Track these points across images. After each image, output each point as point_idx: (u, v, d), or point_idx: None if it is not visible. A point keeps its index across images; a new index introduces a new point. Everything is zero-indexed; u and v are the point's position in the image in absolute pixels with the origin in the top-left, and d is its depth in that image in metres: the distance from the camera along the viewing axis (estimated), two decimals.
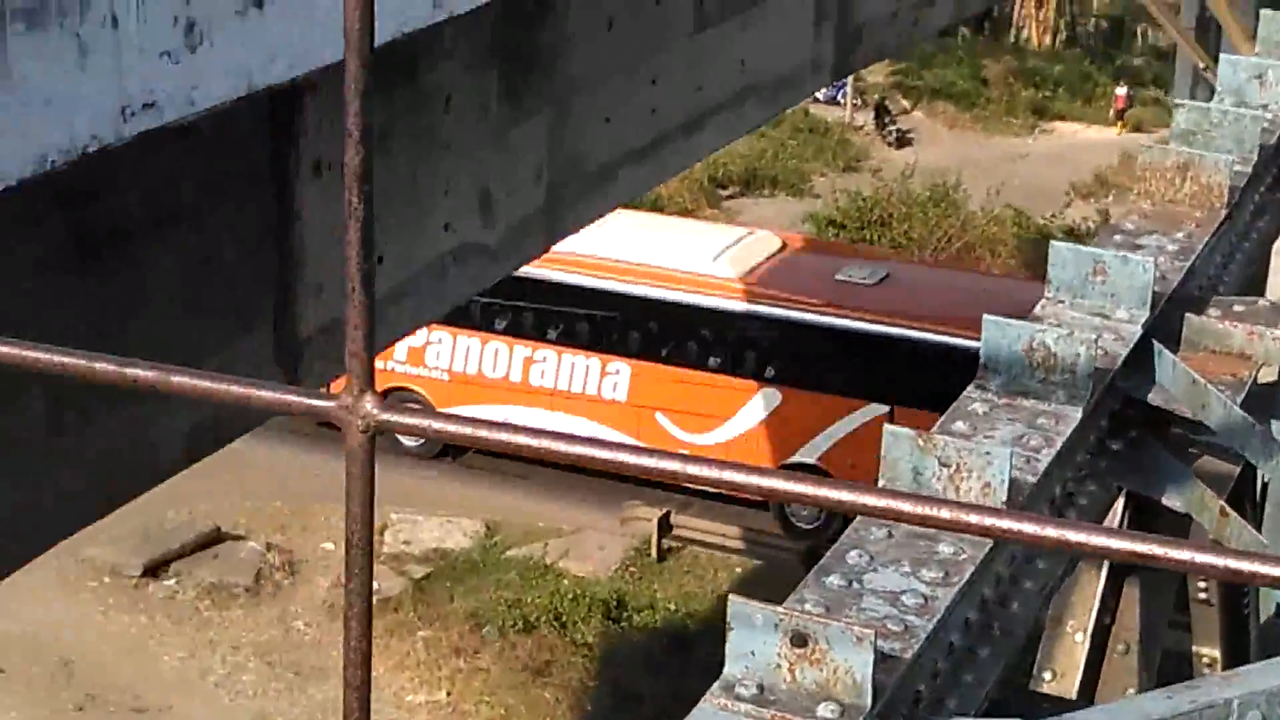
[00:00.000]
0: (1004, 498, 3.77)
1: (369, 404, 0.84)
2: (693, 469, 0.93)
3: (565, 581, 20.52)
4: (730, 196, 32.60)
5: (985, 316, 4.44)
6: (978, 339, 4.47)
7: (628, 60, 8.62)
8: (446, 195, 8.06)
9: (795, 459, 21.22)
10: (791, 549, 20.68)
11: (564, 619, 19.67)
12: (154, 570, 20.61)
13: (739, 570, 21.22)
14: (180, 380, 0.87)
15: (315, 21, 4.80)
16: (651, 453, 0.98)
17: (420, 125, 7.58)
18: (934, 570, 3.58)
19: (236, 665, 19.54)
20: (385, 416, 0.83)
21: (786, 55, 10.36)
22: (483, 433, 0.85)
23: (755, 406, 21.65)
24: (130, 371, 0.86)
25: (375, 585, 17.56)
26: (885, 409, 20.56)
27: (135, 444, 6.02)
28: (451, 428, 0.84)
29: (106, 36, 3.92)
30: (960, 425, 4.18)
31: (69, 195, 5.25)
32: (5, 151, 3.70)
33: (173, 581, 20.64)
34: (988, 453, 3.83)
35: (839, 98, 36.35)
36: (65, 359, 0.87)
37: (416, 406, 0.83)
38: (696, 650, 19.06)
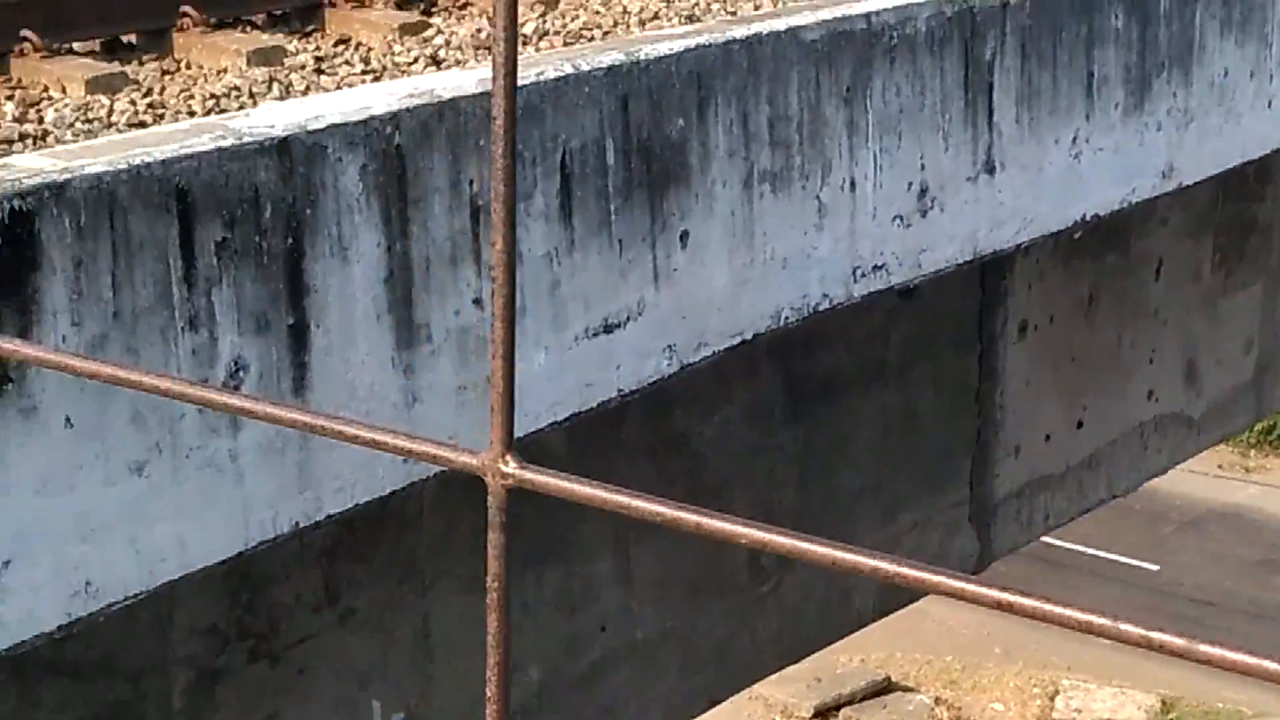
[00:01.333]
0: None
1: None
2: None
3: None
4: None
5: None
6: None
7: None
8: (1151, 363, 7.91)
9: None
10: None
11: None
12: (824, 714, 20.87)
13: None
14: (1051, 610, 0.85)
15: (1043, 189, 4.82)
16: None
17: (1128, 291, 7.48)
18: None
19: None
20: None
21: None
22: None
23: None
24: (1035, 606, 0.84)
25: None
26: None
27: (830, 593, 6.14)
28: None
29: (844, 200, 4.06)
30: None
31: (786, 348, 5.43)
32: (744, 308, 3.87)
33: None
34: None
35: None
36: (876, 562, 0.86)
37: None
38: None
